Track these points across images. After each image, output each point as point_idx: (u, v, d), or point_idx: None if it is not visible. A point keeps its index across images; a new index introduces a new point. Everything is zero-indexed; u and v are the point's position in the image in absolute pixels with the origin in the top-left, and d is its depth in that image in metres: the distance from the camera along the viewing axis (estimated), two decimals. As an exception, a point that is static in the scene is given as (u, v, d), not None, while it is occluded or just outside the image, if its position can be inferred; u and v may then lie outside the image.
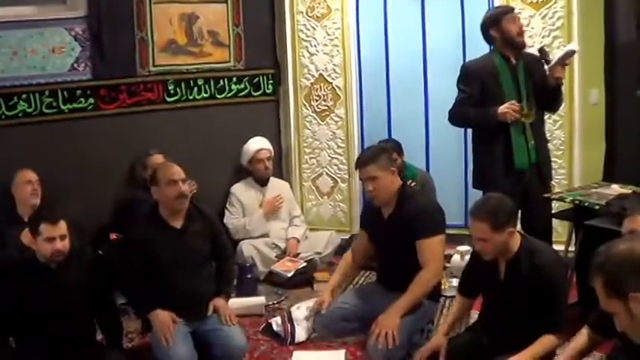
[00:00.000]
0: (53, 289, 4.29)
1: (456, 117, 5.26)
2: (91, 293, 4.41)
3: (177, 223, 4.69)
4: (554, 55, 5.17)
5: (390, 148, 5.07)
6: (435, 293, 4.69)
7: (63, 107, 6.17)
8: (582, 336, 3.52)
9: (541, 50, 5.18)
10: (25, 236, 4.80)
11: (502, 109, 4.94)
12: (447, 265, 5.61)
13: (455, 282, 5.40)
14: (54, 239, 4.21)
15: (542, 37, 6.01)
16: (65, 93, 6.15)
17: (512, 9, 5.36)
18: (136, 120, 6.44)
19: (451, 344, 4.05)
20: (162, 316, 4.54)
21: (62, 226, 4.25)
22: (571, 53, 5.04)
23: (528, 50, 5.28)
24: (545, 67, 5.07)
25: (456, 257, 5.77)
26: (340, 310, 4.81)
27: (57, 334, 4.30)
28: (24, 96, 6.00)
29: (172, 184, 4.63)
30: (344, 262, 5.03)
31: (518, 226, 4.10)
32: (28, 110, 6.04)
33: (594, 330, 3.46)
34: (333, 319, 4.81)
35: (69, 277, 4.34)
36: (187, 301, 4.64)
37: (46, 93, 6.08)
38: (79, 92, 6.20)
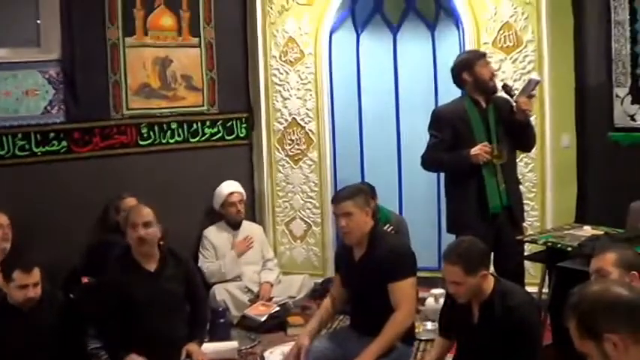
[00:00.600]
0: (24, 331, 4.32)
1: (429, 161, 5.29)
2: (62, 336, 4.43)
3: (151, 267, 4.69)
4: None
5: (368, 190, 5.08)
6: (409, 336, 4.66)
7: (36, 150, 6.16)
8: None
9: (504, 86, 5.26)
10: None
11: (474, 150, 4.98)
12: (421, 307, 5.60)
13: (429, 325, 5.41)
14: (27, 286, 4.26)
15: (514, 80, 6.06)
16: (38, 135, 6.14)
17: (484, 54, 5.41)
18: (109, 163, 6.44)
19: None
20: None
21: (35, 274, 4.29)
22: (534, 83, 5.10)
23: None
24: (512, 102, 5.13)
25: (430, 300, 5.77)
26: (314, 354, 4.78)
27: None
28: (-4, 138, 5.98)
29: (133, 228, 4.65)
30: (322, 308, 4.98)
31: (491, 269, 4.11)
32: (1, 153, 6.02)
33: None
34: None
35: (40, 320, 4.38)
36: (161, 344, 4.63)
37: (19, 135, 6.07)
38: (52, 135, 6.19)
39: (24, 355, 4.31)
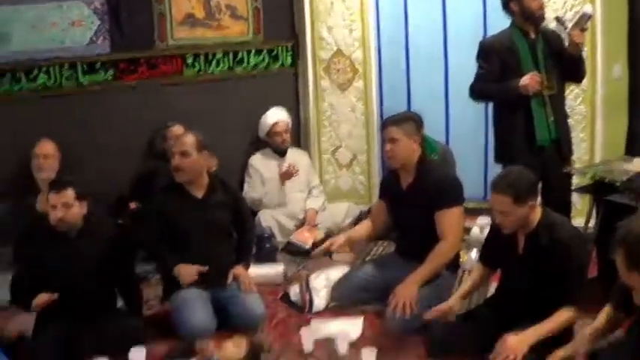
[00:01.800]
0: (71, 256, 4.38)
1: (477, 92, 5.25)
2: (109, 261, 4.50)
3: (199, 194, 4.74)
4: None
5: (417, 119, 5.06)
6: (454, 264, 4.72)
7: (82, 80, 6.20)
8: (604, 314, 3.52)
9: (557, 18, 5.16)
10: (43, 203, 4.84)
11: (524, 80, 4.91)
12: (466, 237, 5.60)
13: (473, 254, 5.41)
14: (55, 207, 4.29)
15: (565, 12, 5.91)
16: (84, 66, 6.16)
17: (533, -17, 5.31)
18: (155, 92, 6.46)
19: (470, 315, 4.09)
20: (187, 268, 4.64)
21: (66, 195, 4.32)
22: (587, 16, 4.96)
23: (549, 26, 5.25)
24: (564, 35, 5.05)
25: (475, 230, 5.77)
26: (359, 280, 4.85)
27: (76, 300, 4.38)
28: (44, 68, 6.02)
29: (172, 156, 4.70)
30: (363, 224, 5.10)
31: (539, 200, 4.09)
32: (48, 83, 6.07)
33: (616, 308, 3.46)
34: (352, 289, 4.87)
35: (86, 245, 4.44)
36: (208, 269, 4.69)
37: (66, 66, 6.10)
38: (98, 65, 6.22)
39: (72, 281, 4.39)
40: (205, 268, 4.65)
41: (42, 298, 4.28)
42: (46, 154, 5.75)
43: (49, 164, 5.74)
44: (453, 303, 4.13)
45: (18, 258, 4.71)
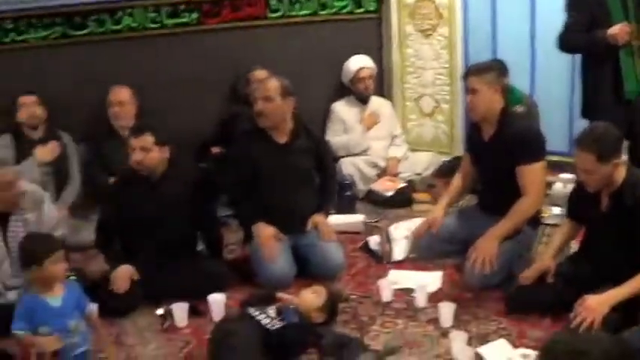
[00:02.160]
0: (154, 199, 4.47)
1: (565, 42, 5.12)
2: (191, 205, 4.56)
3: (282, 139, 4.75)
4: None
5: (500, 67, 4.96)
6: (535, 220, 4.65)
7: (166, 22, 6.23)
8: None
9: None
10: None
11: (612, 30, 4.77)
12: (549, 192, 5.51)
13: (556, 210, 5.32)
14: (135, 150, 4.35)
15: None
16: (168, 8, 6.20)
17: None
18: (238, 35, 6.48)
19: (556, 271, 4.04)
20: (266, 232, 4.66)
21: (145, 139, 4.39)
22: None
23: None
24: None
25: (558, 185, 5.66)
26: (439, 232, 4.81)
27: (158, 243, 4.48)
28: (128, 11, 6.09)
29: (255, 101, 4.70)
30: (453, 184, 5.01)
31: (624, 157, 3.98)
32: (133, 25, 6.12)
33: None
34: (432, 241, 4.84)
35: (169, 189, 4.52)
36: (288, 214, 4.76)
37: (150, 8, 6.16)
38: (182, 7, 6.25)
39: (155, 224, 4.49)
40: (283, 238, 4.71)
41: (122, 279, 4.40)
42: (121, 101, 5.85)
43: (125, 112, 5.84)
44: (546, 264, 4.07)
45: (104, 200, 4.80)
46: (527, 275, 4.06)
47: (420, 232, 4.83)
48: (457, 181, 4.95)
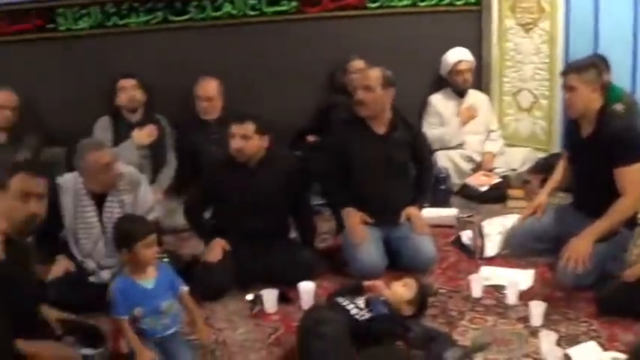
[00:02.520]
0: (250, 186, 4.52)
1: None
2: (286, 192, 4.59)
3: (380, 129, 4.72)
4: None
5: (601, 64, 4.84)
6: (632, 222, 4.53)
7: (266, 10, 6.28)
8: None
9: None
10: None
11: None
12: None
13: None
14: (235, 137, 4.38)
15: None
16: (270, -5, 6.25)
17: None
18: (337, 24, 6.50)
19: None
20: (354, 216, 4.68)
21: (246, 127, 4.45)
22: None
23: None
24: None
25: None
26: (533, 229, 4.75)
27: (252, 229, 4.52)
28: (229, -3, 6.15)
29: (354, 91, 4.70)
30: (556, 175, 4.93)
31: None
32: (233, 12, 6.17)
33: None
34: (525, 238, 4.80)
35: (265, 176, 4.56)
36: (381, 205, 4.75)
37: (251, -5, 6.21)
38: (283, -6, 6.28)
39: (251, 210, 4.54)
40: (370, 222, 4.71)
41: (216, 250, 4.48)
42: (210, 96, 5.95)
43: (212, 106, 5.94)
44: None
45: (200, 184, 4.86)
46: (633, 273, 3.96)
47: (525, 217, 4.81)
48: (558, 174, 4.87)
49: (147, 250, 3.55)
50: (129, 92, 5.84)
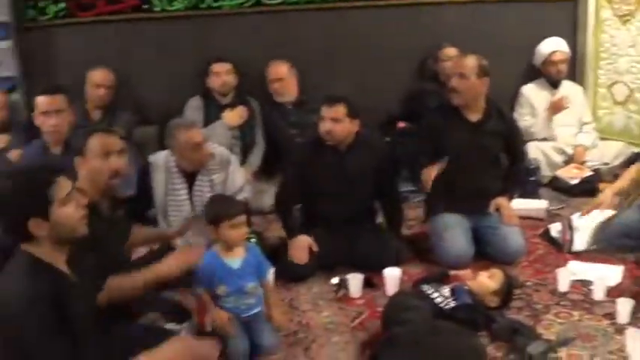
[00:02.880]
0: (339, 169, 4.53)
1: None
2: (374, 177, 4.59)
3: (473, 117, 4.68)
4: None
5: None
6: None
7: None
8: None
9: None
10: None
11: None
12: None
13: None
14: (324, 120, 4.41)
15: None
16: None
17: None
18: (430, 11, 6.47)
19: None
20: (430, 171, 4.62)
21: (337, 110, 4.47)
22: None
23: None
24: None
25: None
26: (622, 225, 4.67)
27: (339, 213, 4.56)
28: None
29: (446, 78, 4.66)
30: (632, 171, 4.83)
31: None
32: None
33: None
34: (614, 233, 4.71)
35: (354, 160, 4.57)
36: (471, 194, 4.71)
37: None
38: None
39: (338, 194, 4.56)
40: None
41: (301, 250, 4.49)
42: (279, 77, 5.99)
43: (284, 86, 6.01)
44: None
45: (289, 167, 4.88)
46: None
47: (586, 213, 4.74)
48: (632, 172, 4.77)
49: (234, 231, 3.58)
50: (222, 77, 5.92)
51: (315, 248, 4.53)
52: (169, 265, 3.38)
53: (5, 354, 2.47)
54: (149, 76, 6.26)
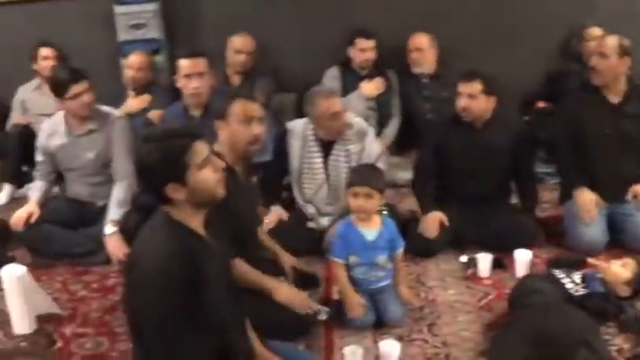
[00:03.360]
0: (475, 146, 4.52)
1: None
2: (511, 156, 4.54)
3: (615, 99, 4.56)
4: None
5: None
6: None
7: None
8: None
9: None
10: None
11: None
12: None
13: None
14: (461, 95, 4.45)
15: None
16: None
17: None
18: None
19: None
20: (585, 198, 4.52)
21: (473, 86, 4.44)
22: None
23: None
24: None
25: None
26: None
27: (473, 190, 4.56)
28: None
29: (588, 58, 4.54)
30: None
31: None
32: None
33: None
34: None
35: (490, 138, 4.53)
36: (609, 180, 4.59)
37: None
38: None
39: (473, 171, 4.54)
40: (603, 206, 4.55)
41: (433, 225, 4.48)
42: (420, 47, 6.01)
43: (423, 58, 6.02)
44: None
45: (425, 142, 4.88)
46: None
47: None
48: None
49: (353, 199, 3.64)
50: (365, 54, 5.94)
51: (447, 223, 4.52)
52: (286, 295, 3.49)
53: (136, 312, 2.57)
54: (289, 43, 6.34)
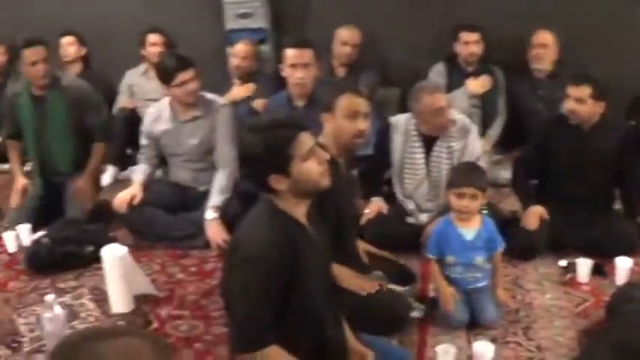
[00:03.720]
0: (581, 149, 4.46)
1: None
2: (616, 161, 4.49)
3: None
4: None
5: None
6: None
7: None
8: None
9: None
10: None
11: None
12: None
13: None
14: (569, 97, 4.37)
15: None
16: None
17: None
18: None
19: None
20: None
21: (582, 90, 4.35)
22: None
23: None
24: None
25: None
26: None
27: (575, 193, 4.49)
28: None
29: None
30: None
31: None
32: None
33: None
34: None
35: (597, 141, 4.45)
36: None
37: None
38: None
39: (577, 174, 4.48)
40: None
41: (534, 217, 4.44)
42: (544, 43, 5.89)
43: (545, 54, 5.88)
44: None
45: (531, 140, 4.84)
46: None
47: None
48: None
49: (456, 200, 3.62)
50: (470, 47, 5.89)
51: (546, 217, 4.46)
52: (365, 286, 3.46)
53: (233, 296, 2.61)
54: (395, 37, 6.33)
